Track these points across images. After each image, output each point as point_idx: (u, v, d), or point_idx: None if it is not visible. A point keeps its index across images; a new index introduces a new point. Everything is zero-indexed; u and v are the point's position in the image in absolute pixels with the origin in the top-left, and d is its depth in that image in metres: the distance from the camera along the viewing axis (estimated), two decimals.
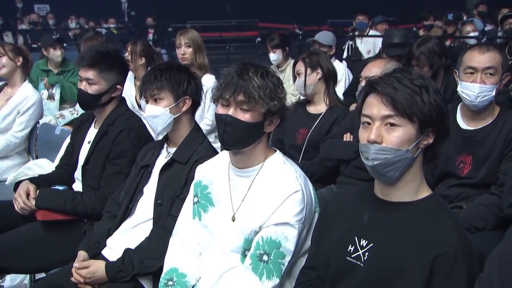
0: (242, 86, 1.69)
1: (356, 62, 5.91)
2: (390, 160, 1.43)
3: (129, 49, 4.37)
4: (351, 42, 6.36)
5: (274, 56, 4.89)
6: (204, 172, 1.95)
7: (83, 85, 2.48)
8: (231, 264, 1.79)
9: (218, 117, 1.77)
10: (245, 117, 1.72)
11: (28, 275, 2.93)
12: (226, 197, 1.84)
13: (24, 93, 3.61)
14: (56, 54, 4.98)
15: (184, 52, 3.82)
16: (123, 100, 2.63)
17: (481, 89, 2.32)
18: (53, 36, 5.16)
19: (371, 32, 6.68)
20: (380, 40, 6.39)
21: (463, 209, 2.36)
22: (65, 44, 5.38)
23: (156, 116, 2.17)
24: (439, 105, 1.44)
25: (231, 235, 1.80)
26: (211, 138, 3.46)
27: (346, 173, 2.81)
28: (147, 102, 2.21)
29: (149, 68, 2.28)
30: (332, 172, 2.89)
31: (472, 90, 2.33)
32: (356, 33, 6.77)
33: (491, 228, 2.29)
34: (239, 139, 1.75)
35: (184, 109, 2.21)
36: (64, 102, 4.88)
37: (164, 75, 2.17)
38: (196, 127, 2.30)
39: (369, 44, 6.55)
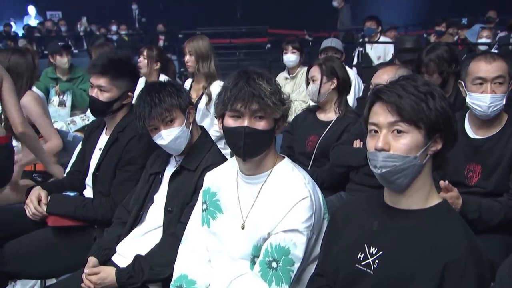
0: (255, 95, 1.69)
1: (366, 69, 5.91)
2: (399, 167, 1.43)
3: (145, 53, 4.42)
4: (361, 49, 6.35)
5: (293, 57, 4.75)
6: (213, 179, 1.96)
7: (94, 92, 2.49)
8: (241, 270, 1.79)
9: (232, 130, 1.73)
10: (261, 125, 1.73)
11: (38, 281, 2.95)
12: (235, 204, 1.85)
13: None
14: (63, 61, 4.98)
15: (188, 60, 3.86)
16: (133, 107, 2.65)
17: (493, 99, 2.31)
18: (59, 43, 5.17)
19: (382, 39, 6.68)
20: (390, 46, 6.40)
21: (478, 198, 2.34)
22: (76, 51, 5.42)
23: (178, 137, 2.14)
24: (445, 110, 1.44)
25: (240, 242, 1.80)
26: (221, 145, 3.46)
27: (355, 180, 2.80)
28: (155, 129, 2.14)
29: (137, 96, 2.20)
30: (342, 179, 2.89)
31: (484, 100, 2.31)
32: (366, 39, 6.77)
33: (494, 224, 2.28)
34: (259, 149, 1.75)
35: (191, 119, 2.22)
36: (74, 108, 4.92)
37: (164, 94, 2.12)
38: (204, 133, 2.31)
39: (379, 50, 6.54)
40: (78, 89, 4.95)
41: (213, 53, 3.87)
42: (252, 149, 1.74)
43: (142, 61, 4.43)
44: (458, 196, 2.16)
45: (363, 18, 7.01)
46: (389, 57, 6.21)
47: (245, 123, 1.71)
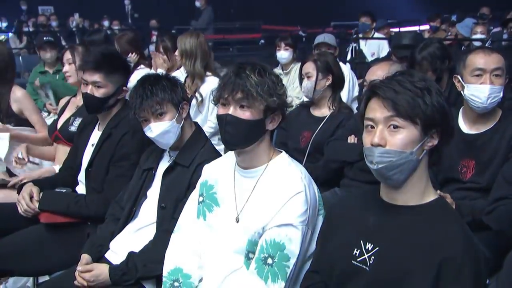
0: (240, 84, 1.70)
1: (360, 64, 5.91)
2: (395, 162, 1.42)
3: (161, 48, 4.29)
4: (355, 44, 6.35)
5: (286, 54, 4.77)
6: (210, 171, 1.95)
7: (89, 89, 2.45)
8: (234, 265, 1.79)
9: (219, 117, 1.77)
10: (245, 115, 1.72)
11: (31, 278, 2.93)
12: (231, 198, 1.84)
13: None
14: (46, 55, 4.96)
15: (176, 55, 3.86)
16: (127, 102, 2.62)
17: (492, 90, 2.31)
18: (45, 38, 5.15)
19: (376, 35, 6.67)
20: (384, 42, 6.39)
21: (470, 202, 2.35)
22: (66, 46, 5.36)
23: (167, 131, 2.13)
24: (442, 106, 1.44)
25: (234, 236, 1.79)
26: (214, 141, 3.44)
27: (350, 176, 2.80)
28: (145, 120, 2.15)
29: (133, 87, 2.20)
30: (336, 175, 2.89)
31: (483, 91, 2.32)
32: (360, 35, 6.75)
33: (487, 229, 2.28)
34: (240, 138, 1.75)
35: (184, 115, 2.21)
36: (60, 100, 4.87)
37: (158, 87, 2.12)
38: (198, 129, 2.30)
39: (373, 46, 6.54)
40: (60, 80, 4.90)
41: (203, 52, 3.74)
42: (233, 138, 1.74)
43: (162, 57, 4.29)
44: (452, 202, 2.18)
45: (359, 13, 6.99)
46: (383, 53, 6.20)
47: (229, 111, 1.73)
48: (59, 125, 3.12)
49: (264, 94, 1.71)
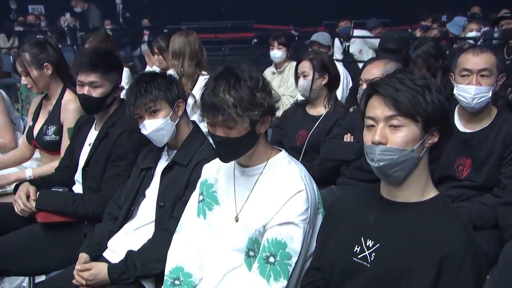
0: (218, 108, 1.65)
1: (352, 63, 5.93)
2: (396, 160, 1.43)
3: (155, 49, 4.27)
4: (347, 43, 6.37)
5: (279, 53, 4.80)
6: (210, 170, 1.95)
7: (86, 90, 2.44)
8: (234, 263, 1.79)
9: (210, 134, 1.78)
10: (232, 133, 1.70)
11: (26, 278, 2.91)
12: (231, 196, 1.85)
13: None
14: None
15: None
16: (123, 101, 2.61)
17: (477, 90, 2.33)
18: (38, 37, 5.10)
19: (356, 33, 6.69)
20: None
21: (465, 204, 2.37)
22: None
23: (160, 128, 2.14)
24: (442, 104, 1.45)
25: (235, 234, 1.80)
26: (210, 140, 3.43)
27: (346, 174, 2.80)
28: (140, 117, 2.16)
29: (130, 84, 2.21)
30: (333, 173, 2.89)
31: (468, 92, 2.35)
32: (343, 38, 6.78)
33: (488, 228, 2.31)
34: (234, 153, 1.77)
35: (180, 113, 2.20)
36: None
37: (152, 85, 2.12)
38: (196, 128, 2.30)
39: (357, 45, 6.56)
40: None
41: (192, 51, 3.71)
42: (226, 154, 1.77)
43: (157, 58, 4.27)
44: None
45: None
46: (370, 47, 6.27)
47: (217, 132, 1.71)
48: (35, 132, 3.01)
49: (244, 112, 1.65)
